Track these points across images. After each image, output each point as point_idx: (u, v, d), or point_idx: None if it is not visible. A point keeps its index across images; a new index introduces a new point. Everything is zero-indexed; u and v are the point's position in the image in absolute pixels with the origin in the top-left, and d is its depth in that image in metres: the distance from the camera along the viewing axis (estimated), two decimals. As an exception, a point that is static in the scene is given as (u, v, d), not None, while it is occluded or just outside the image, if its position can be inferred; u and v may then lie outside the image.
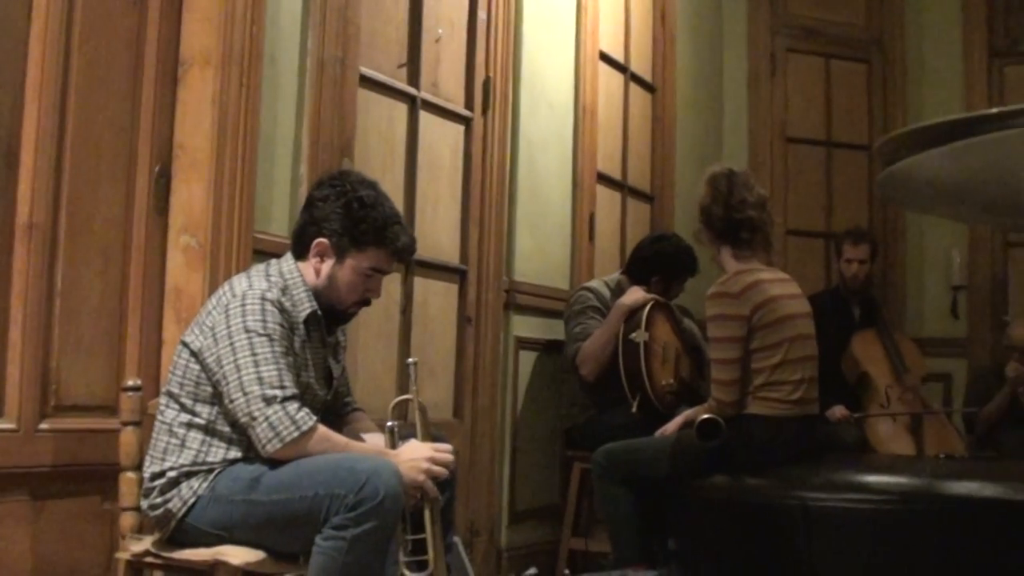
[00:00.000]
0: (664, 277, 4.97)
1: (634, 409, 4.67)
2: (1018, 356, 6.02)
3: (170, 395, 2.91)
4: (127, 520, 2.94)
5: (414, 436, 3.07)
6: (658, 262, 4.98)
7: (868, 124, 7.38)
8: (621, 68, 5.88)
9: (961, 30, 7.38)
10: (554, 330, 5.16)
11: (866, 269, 6.01)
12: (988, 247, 7.18)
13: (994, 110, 0.83)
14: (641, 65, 6.11)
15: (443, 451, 3.00)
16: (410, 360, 3.22)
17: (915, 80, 7.42)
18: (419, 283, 4.46)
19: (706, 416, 4.04)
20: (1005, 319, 6.75)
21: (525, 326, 5.09)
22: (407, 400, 3.17)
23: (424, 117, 4.46)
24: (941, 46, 7.43)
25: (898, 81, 7.38)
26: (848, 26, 7.42)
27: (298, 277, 3.02)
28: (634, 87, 6.02)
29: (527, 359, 5.12)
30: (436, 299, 4.59)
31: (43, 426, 3.05)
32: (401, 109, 4.36)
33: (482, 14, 4.80)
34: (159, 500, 2.84)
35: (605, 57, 5.67)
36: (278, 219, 3.66)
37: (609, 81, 5.76)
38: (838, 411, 5.65)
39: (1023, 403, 6.01)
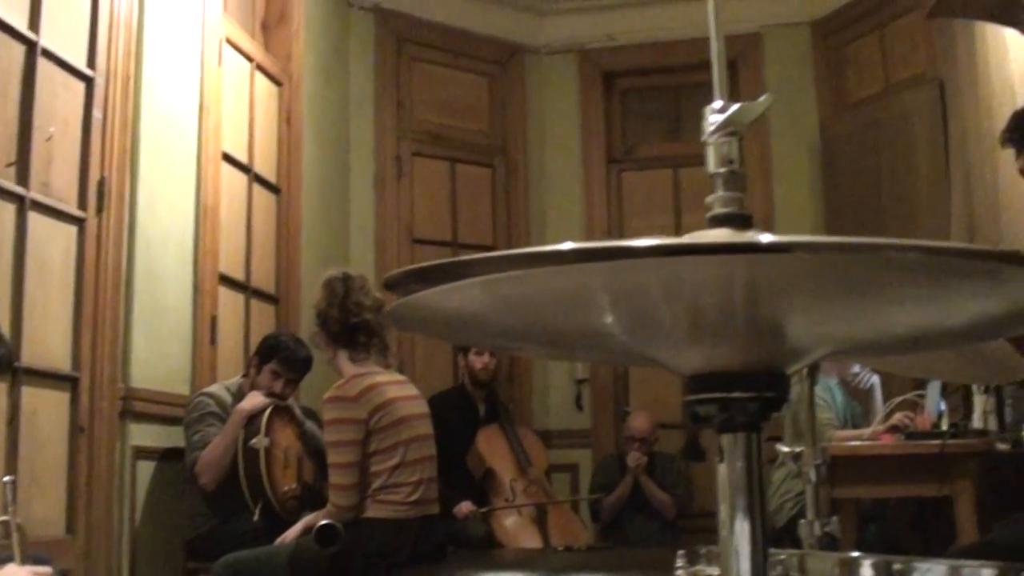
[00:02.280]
0: (281, 369, 4.92)
1: (256, 517, 4.59)
2: (638, 445, 6.32)
3: None
4: None
5: (12, 560, 2.90)
6: (270, 352, 4.93)
7: (492, 226, 7.63)
8: (245, 169, 5.85)
9: (580, 138, 7.78)
10: (174, 438, 5.01)
11: (493, 364, 6.18)
12: (607, 343, 7.50)
13: (502, 253, 0.86)
14: (266, 166, 6.09)
15: (43, 574, 2.85)
16: (6, 478, 3.05)
17: (537, 184, 7.75)
18: (27, 392, 4.23)
19: (325, 522, 4.02)
20: (626, 410, 7.08)
21: (143, 434, 4.92)
22: (4, 521, 2.99)
23: (33, 218, 4.27)
24: (561, 153, 7.80)
25: (520, 185, 7.68)
26: (473, 132, 7.68)
27: None
28: (258, 188, 5.99)
29: (146, 468, 4.94)
30: (46, 408, 4.37)
31: None
32: (8, 210, 4.16)
33: (97, 113, 4.67)
34: None
35: (228, 158, 5.62)
36: None
37: (232, 182, 5.70)
38: (464, 507, 5.74)
39: (645, 490, 6.29)
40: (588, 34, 7.63)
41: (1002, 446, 3.80)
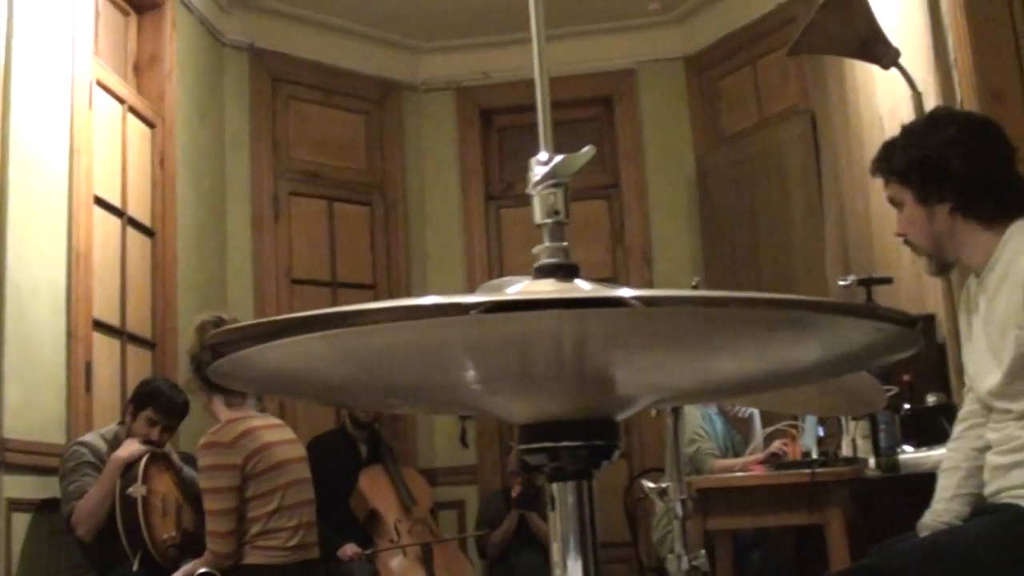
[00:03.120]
0: (157, 416, 4.84)
1: (136, 567, 4.50)
2: (522, 480, 6.33)
3: None
4: None
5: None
6: (145, 399, 4.85)
7: (372, 264, 7.61)
8: (118, 212, 5.75)
9: (459, 175, 7.80)
10: (50, 488, 4.89)
11: None
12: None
13: (328, 311, 0.85)
14: (140, 209, 6.00)
15: None
16: None
17: (417, 222, 7.75)
18: None
19: (203, 570, 3.96)
20: (510, 444, 7.08)
21: (18, 486, 4.79)
22: None
23: None
24: (440, 190, 7.82)
25: (400, 223, 7.67)
26: (351, 170, 7.66)
27: None
28: (132, 231, 5.90)
29: (21, 521, 4.81)
30: (-86, 463, 4.25)
31: None
32: None
33: (-38, 158, 4.57)
34: None
35: (100, 201, 5.53)
36: None
37: (105, 226, 5.61)
38: (349, 549, 5.69)
39: (531, 524, 6.29)
40: (465, 71, 7.67)
41: (872, 472, 3.86)
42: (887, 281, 4.82)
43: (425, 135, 7.85)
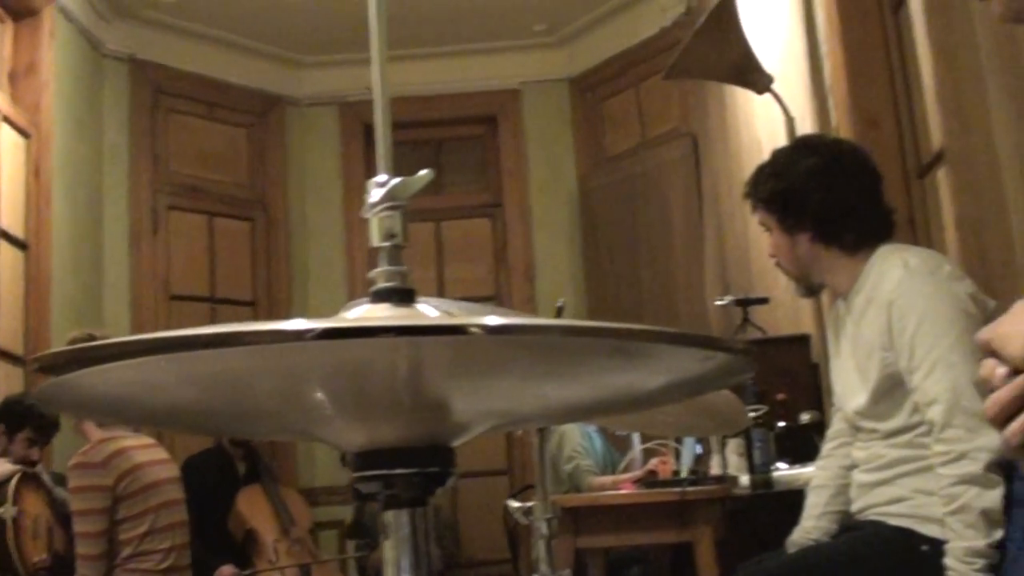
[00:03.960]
0: (36, 435, 4.73)
1: (5, 592, 4.39)
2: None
3: None
4: None
5: None
6: (20, 419, 4.73)
7: (252, 280, 7.52)
8: (-11, 225, 5.62)
9: (342, 191, 7.75)
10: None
11: None
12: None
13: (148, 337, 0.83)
14: (13, 221, 5.85)
15: None
16: None
17: (299, 237, 7.68)
18: None
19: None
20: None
21: None
22: None
23: None
24: (323, 205, 7.77)
25: (281, 238, 7.60)
26: (232, 185, 7.57)
27: None
28: (5, 244, 5.76)
29: None
30: None
31: None
32: None
33: None
34: None
35: (-30, 213, 5.40)
36: None
37: (-25, 239, 5.47)
38: (226, 571, 5.60)
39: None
40: (349, 86, 7.62)
41: (742, 491, 3.90)
42: (763, 301, 4.89)
43: (308, 150, 7.80)
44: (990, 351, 1.05)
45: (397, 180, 1.06)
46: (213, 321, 7.23)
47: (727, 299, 4.99)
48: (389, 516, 0.99)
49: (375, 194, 1.07)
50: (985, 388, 1.03)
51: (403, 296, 1.03)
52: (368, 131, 7.87)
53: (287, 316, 7.33)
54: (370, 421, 0.97)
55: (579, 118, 7.74)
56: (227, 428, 1.42)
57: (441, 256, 7.76)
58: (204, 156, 7.47)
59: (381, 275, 1.04)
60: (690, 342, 0.86)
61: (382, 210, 1.05)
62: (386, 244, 1.05)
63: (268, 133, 7.74)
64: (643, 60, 7.23)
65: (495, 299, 7.63)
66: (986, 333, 1.06)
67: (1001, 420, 1.01)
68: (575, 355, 0.89)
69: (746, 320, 4.89)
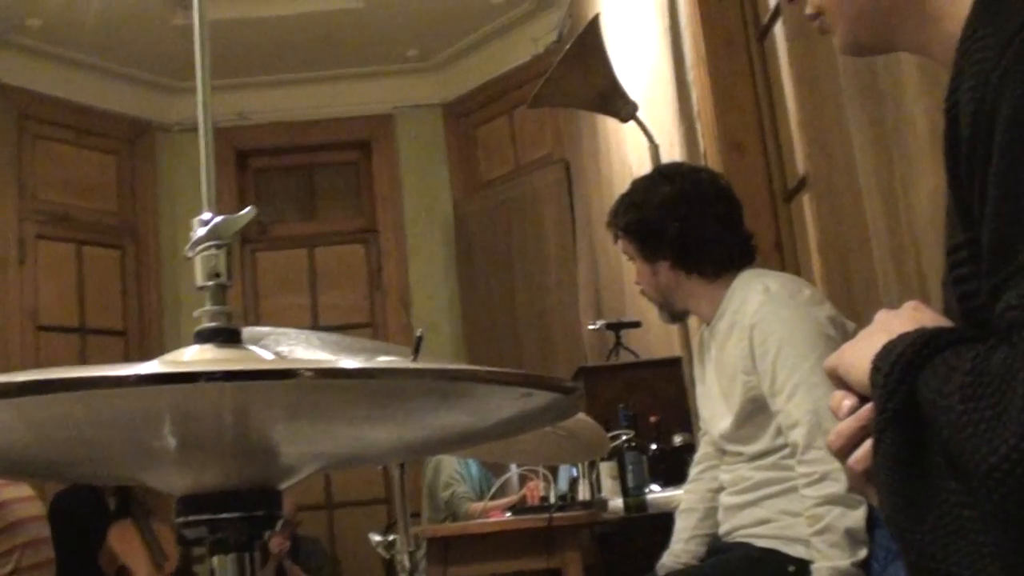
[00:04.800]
0: None
1: None
2: (281, 529, 6.21)
3: None
4: None
5: None
6: None
7: (123, 310, 7.38)
8: None
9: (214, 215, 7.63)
10: None
11: None
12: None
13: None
14: None
15: None
16: None
17: (170, 265, 7.56)
18: None
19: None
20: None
21: None
22: None
23: None
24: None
25: (152, 267, 7.48)
26: (100, 213, 7.42)
27: None
28: None
29: None
30: None
31: None
32: None
33: None
34: None
35: None
36: None
37: None
38: (97, 608, 5.49)
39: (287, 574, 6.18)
40: (220, 112, 7.53)
41: (611, 515, 3.91)
42: (635, 325, 4.93)
43: (179, 176, 7.67)
44: (836, 378, 1.06)
45: (220, 218, 1.04)
46: (83, 352, 7.08)
47: (599, 324, 5.02)
48: (215, 561, 0.97)
49: (198, 232, 1.05)
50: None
51: (228, 336, 1.01)
52: (240, 157, 7.80)
53: (159, 345, 7.21)
54: (194, 465, 0.95)
55: (453, 144, 7.76)
56: (50, 473, 1.38)
57: (315, 282, 7.70)
58: (73, 183, 7.31)
59: (205, 315, 1.03)
60: (506, 380, 0.85)
61: (205, 249, 1.03)
62: (210, 283, 1.04)
63: (139, 159, 7.61)
64: (516, 86, 7.27)
65: (370, 326, 7.60)
66: (832, 360, 1.07)
67: (845, 452, 1.02)
68: (396, 397, 0.88)
69: (619, 343, 4.93)
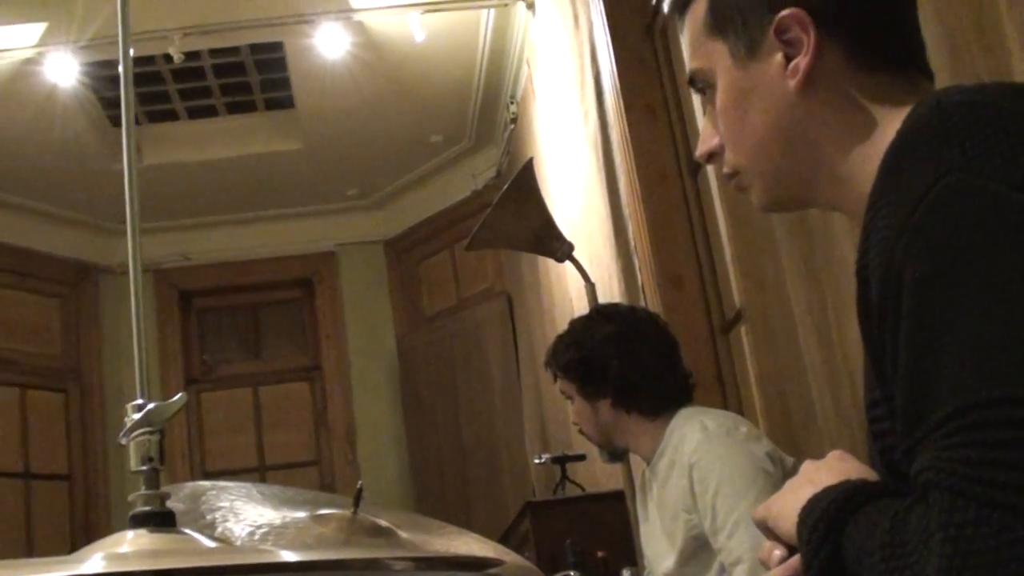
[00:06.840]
0: None
1: None
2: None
3: None
4: None
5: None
6: None
7: (68, 453, 7.30)
8: None
9: (158, 358, 7.61)
10: None
11: None
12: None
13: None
14: None
15: None
16: None
17: (115, 408, 7.48)
18: None
19: None
20: None
21: None
22: None
23: None
24: (139, 374, 7.59)
25: (97, 409, 7.41)
26: (44, 356, 7.37)
27: None
28: None
29: None
30: None
31: None
32: None
33: None
34: None
35: None
36: None
37: None
38: None
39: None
40: (163, 253, 7.56)
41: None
42: (581, 458, 4.92)
43: (123, 318, 7.63)
44: (765, 528, 1.09)
45: (152, 405, 1.07)
46: (28, 498, 6.98)
47: (544, 457, 5.01)
48: None
49: (133, 418, 1.07)
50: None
51: (161, 520, 1.03)
52: (183, 297, 7.80)
53: (105, 490, 7.14)
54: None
55: (395, 279, 7.82)
56: None
57: (260, 421, 7.66)
58: (15, 327, 7.26)
59: (140, 499, 1.04)
60: (426, 565, 0.87)
61: (139, 435, 1.06)
62: (144, 468, 1.06)
63: (81, 302, 7.59)
64: (457, 222, 7.36)
65: (316, 464, 7.56)
66: (761, 512, 1.10)
67: None
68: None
69: (564, 477, 4.91)
